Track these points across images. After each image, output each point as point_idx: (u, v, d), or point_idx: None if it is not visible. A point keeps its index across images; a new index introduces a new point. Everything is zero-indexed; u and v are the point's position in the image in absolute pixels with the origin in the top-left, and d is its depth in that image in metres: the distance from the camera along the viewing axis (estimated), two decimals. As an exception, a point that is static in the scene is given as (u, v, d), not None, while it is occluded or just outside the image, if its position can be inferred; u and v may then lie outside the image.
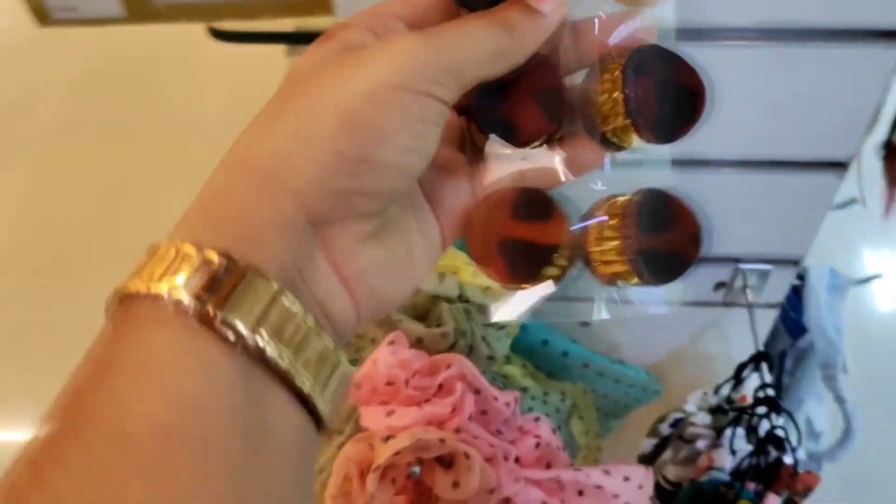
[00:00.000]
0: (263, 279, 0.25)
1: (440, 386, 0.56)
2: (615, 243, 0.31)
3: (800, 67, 0.59)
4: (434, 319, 0.59)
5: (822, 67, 0.58)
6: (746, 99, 0.61)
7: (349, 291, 0.29)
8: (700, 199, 0.70)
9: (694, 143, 0.66)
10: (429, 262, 0.32)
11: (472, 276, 0.62)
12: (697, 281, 0.78)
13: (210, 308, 0.24)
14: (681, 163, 0.67)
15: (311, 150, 0.27)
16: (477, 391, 0.58)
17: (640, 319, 0.80)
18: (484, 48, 0.29)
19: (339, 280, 0.29)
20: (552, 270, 0.32)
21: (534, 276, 0.32)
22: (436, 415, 0.55)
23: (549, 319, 0.77)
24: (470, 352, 0.59)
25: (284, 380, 0.25)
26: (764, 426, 0.71)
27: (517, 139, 0.32)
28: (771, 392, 0.71)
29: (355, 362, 0.66)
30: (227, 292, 0.24)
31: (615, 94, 0.31)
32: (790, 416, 0.71)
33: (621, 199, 0.32)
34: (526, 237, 0.31)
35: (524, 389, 0.69)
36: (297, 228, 0.27)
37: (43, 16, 0.65)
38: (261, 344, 0.24)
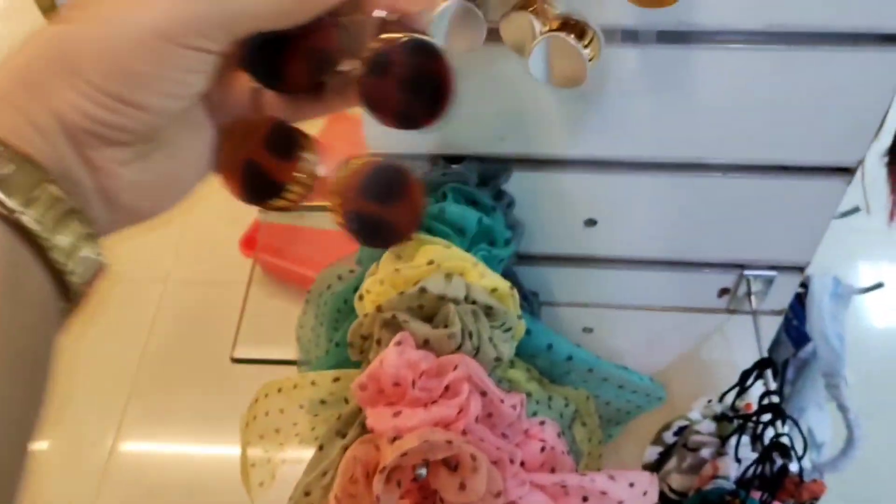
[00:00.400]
0: (31, 164, 0.27)
1: (447, 387, 0.56)
2: (337, 199, 0.34)
3: (807, 71, 0.59)
4: (441, 321, 0.58)
5: (830, 71, 0.58)
6: (755, 102, 0.61)
7: (105, 203, 0.31)
8: (707, 204, 0.70)
9: (699, 146, 0.66)
10: (198, 179, 0.34)
11: (479, 277, 0.61)
12: (701, 287, 0.78)
13: None
14: (686, 167, 0.67)
15: (71, 78, 0.28)
16: (483, 393, 0.57)
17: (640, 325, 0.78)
18: (265, 6, 0.30)
19: (96, 191, 0.30)
20: (281, 202, 0.35)
21: (261, 203, 0.35)
22: (443, 416, 0.54)
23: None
24: (477, 353, 0.58)
25: (41, 254, 0.27)
26: (769, 434, 0.70)
27: (280, 88, 0.34)
28: (776, 399, 0.71)
29: (359, 364, 0.65)
30: None
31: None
32: (795, 423, 0.70)
33: (370, 158, 0.35)
34: (265, 166, 0.34)
35: (528, 394, 0.68)
36: (57, 140, 0.28)
37: (50, 8, 0.65)
38: (23, 219, 0.27)
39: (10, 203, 0.26)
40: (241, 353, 1.18)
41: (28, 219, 0.27)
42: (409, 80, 0.32)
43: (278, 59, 0.32)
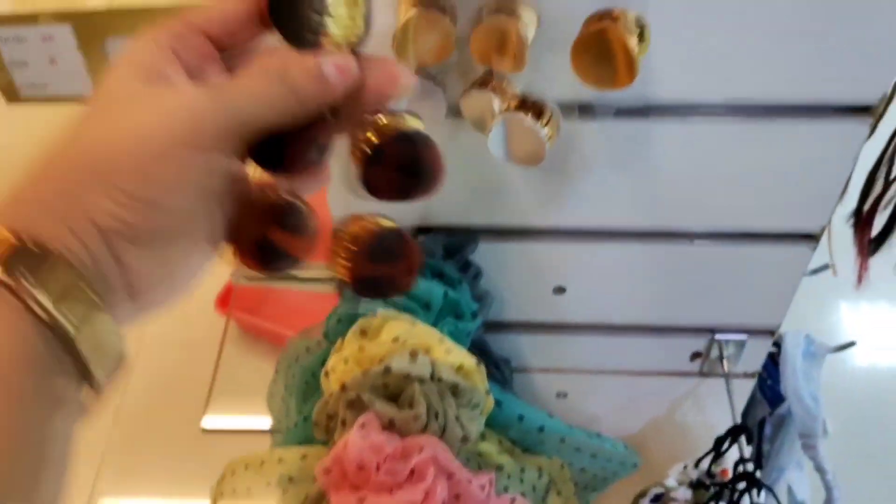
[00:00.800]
0: (68, 267, 0.30)
1: (412, 471, 0.55)
2: (343, 262, 0.38)
3: (768, 142, 0.59)
4: (406, 400, 0.58)
5: (791, 143, 0.59)
6: (718, 173, 0.61)
7: (130, 297, 0.33)
8: (675, 270, 0.70)
9: (664, 215, 0.66)
10: (208, 260, 0.36)
11: (445, 353, 0.60)
12: (673, 351, 0.77)
13: (17, 281, 0.29)
14: (652, 235, 0.67)
15: (105, 186, 0.31)
16: (450, 475, 0.56)
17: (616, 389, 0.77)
18: (270, 108, 0.33)
19: (123, 287, 0.32)
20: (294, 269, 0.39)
21: (275, 273, 0.39)
22: (408, 501, 0.53)
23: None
24: (443, 433, 0.57)
25: (70, 349, 0.30)
26: (745, 502, 0.69)
27: (282, 173, 0.37)
28: (750, 467, 0.70)
29: (326, 443, 0.64)
30: (35, 270, 0.29)
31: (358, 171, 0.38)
32: (770, 491, 0.70)
33: (366, 221, 0.39)
34: (278, 243, 0.38)
35: (500, 467, 0.67)
36: (92, 243, 0.31)
37: (12, 93, 0.65)
38: (58, 319, 0.29)
39: (47, 303, 0.29)
40: (211, 423, 1.16)
41: (62, 318, 0.29)
42: (405, 168, 0.37)
43: (280, 149, 0.36)
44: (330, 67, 0.33)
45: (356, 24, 0.35)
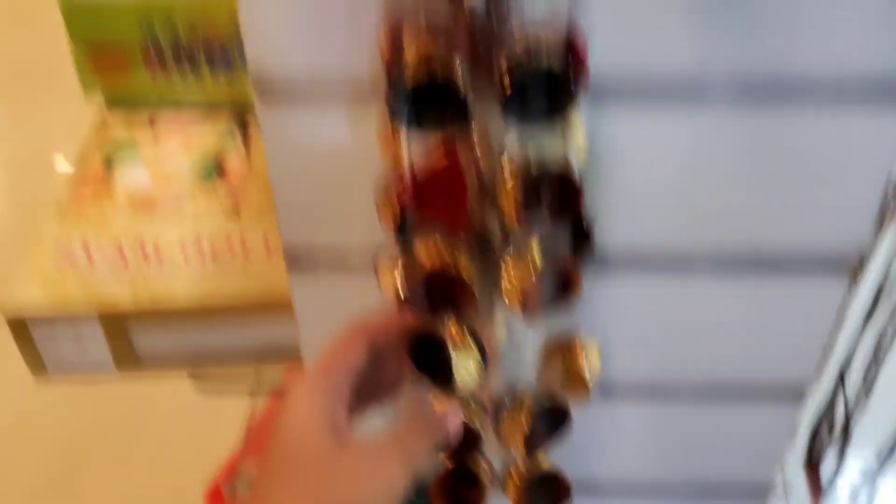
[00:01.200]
0: None
1: None
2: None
3: (712, 422, 0.67)
4: None
5: (733, 424, 0.66)
6: (666, 436, 0.69)
7: None
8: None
9: (632, 463, 0.72)
10: None
11: None
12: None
13: None
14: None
15: None
16: None
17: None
18: (428, 454, 0.46)
19: None
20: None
21: None
22: None
23: None
24: None
25: None
26: None
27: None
28: None
29: None
30: None
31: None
32: None
33: (530, 468, 0.57)
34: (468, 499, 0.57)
35: None
36: None
37: (41, 372, 0.72)
38: None
39: None
40: None
41: None
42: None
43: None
44: (455, 425, 0.48)
45: (478, 373, 0.49)
